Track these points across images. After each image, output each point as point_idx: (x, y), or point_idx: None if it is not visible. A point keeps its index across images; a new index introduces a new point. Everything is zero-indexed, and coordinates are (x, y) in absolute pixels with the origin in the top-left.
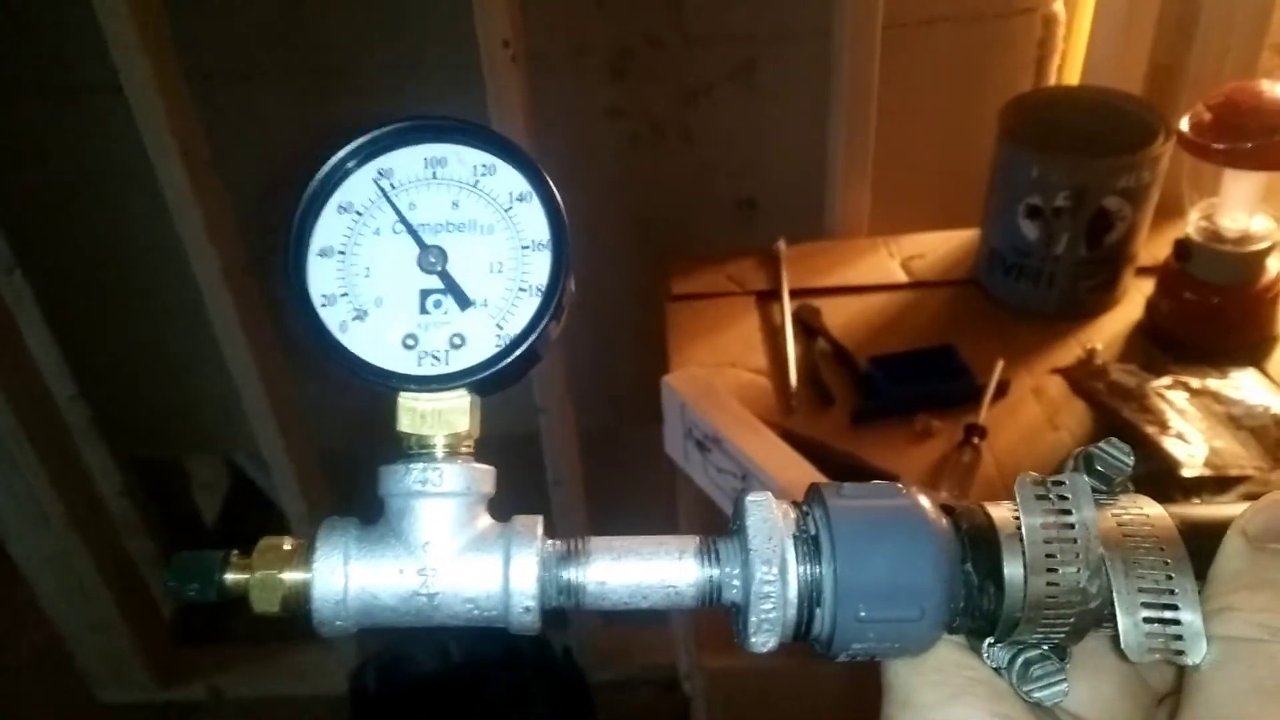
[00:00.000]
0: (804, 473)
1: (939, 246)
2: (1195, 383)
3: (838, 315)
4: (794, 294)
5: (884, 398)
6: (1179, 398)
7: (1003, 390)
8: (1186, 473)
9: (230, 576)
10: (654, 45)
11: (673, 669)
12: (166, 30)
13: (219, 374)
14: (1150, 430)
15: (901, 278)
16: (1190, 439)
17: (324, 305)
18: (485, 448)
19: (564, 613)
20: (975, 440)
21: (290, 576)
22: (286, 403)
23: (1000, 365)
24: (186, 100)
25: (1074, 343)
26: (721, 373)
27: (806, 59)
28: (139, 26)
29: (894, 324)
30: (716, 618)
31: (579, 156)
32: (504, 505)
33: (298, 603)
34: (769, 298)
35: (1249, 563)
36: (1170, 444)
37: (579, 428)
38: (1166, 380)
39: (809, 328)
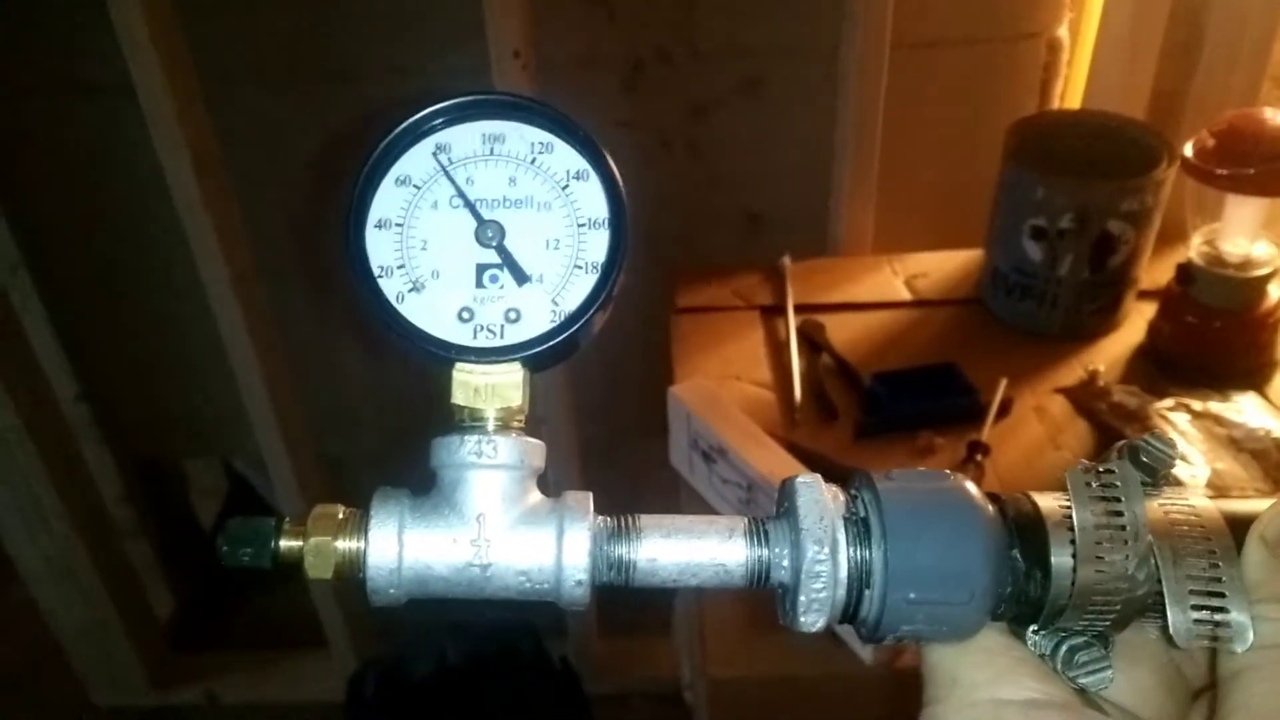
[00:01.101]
0: None
1: (943, 265)
2: (1197, 405)
3: (842, 331)
4: (798, 309)
5: (887, 414)
6: (1181, 420)
7: (1005, 409)
8: (1188, 493)
9: (285, 543)
10: (663, 59)
11: (672, 682)
12: (179, 33)
13: (221, 377)
14: None
15: (905, 295)
16: (1192, 461)
17: (381, 276)
18: None
19: (562, 622)
20: (978, 458)
21: (344, 545)
22: (289, 408)
23: (1004, 384)
24: (198, 102)
25: (1076, 363)
26: (726, 385)
27: (814, 76)
28: (152, 28)
29: (897, 341)
30: (720, 628)
31: None
32: None
33: (351, 570)
34: (774, 313)
35: (1272, 570)
36: None
37: (581, 438)
38: (1169, 402)
39: (813, 343)
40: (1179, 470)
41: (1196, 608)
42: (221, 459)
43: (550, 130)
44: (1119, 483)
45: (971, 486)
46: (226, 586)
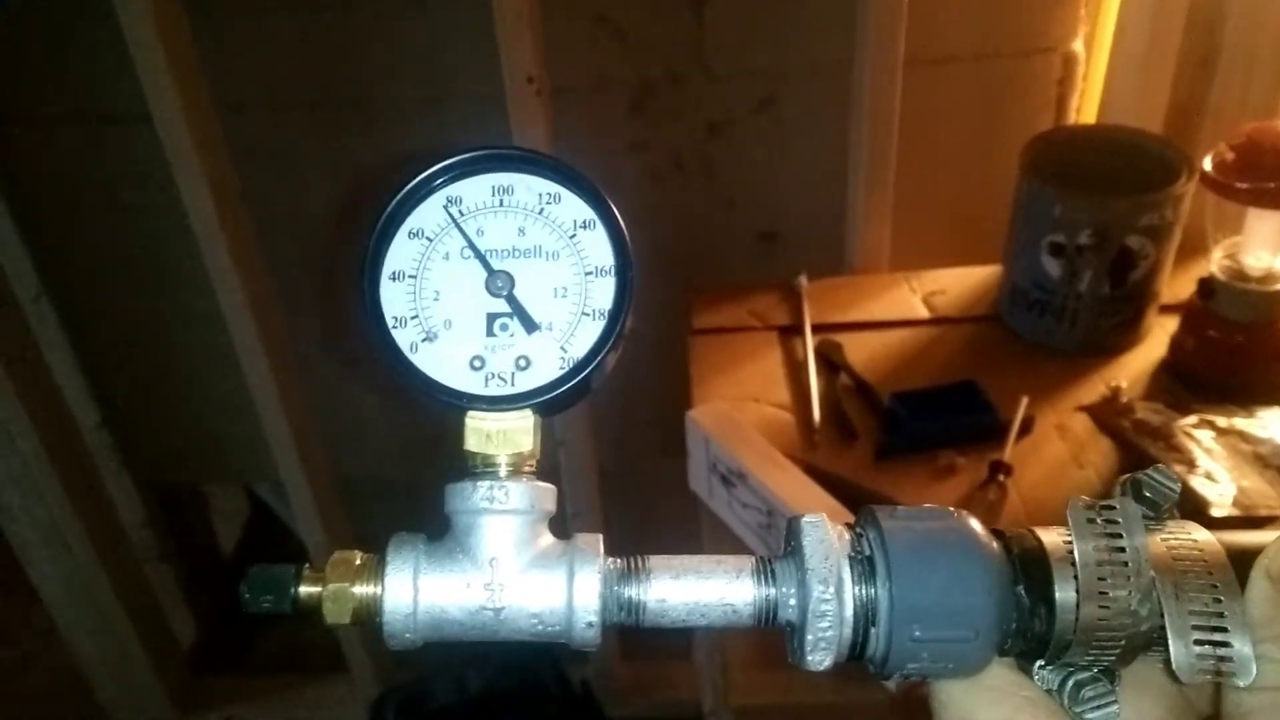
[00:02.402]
0: (828, 508)
1: (960, 282)
2: (1222, 421)
3: (860, 350)
4: (816, 329)
5: (907, 434)
6: (1205, 436)
7: (1027, 427)
8: (1215, 512)
9: (304, 589)
10: (676, 80)
11: (694, 704)
12: (196, 61)
13: (241, 404)
14: (1177, 469)
15: (923, 313)
16: (1218, 478)
17: (395, 327)
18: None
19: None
20: (1001, 478)
21: (361, 590)
22: (308, 433)
23: (1025, 402)
24: (216, 131)
25: (1098, 380)
26: (744, 407)
27: (828, 94)
28: (169, 56)
29: (916, 360)
30: (743, 654)
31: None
32: None
33: (368, 615)
34: (791, 333)
35: (1277, 608)
36: (1198, 483)
37: (599, 461)
38: (1193, 419)
39: (831, 363)
40: (1204, 489)
41: (1199, 642)
42: (242, 483)
43: (557, 181)
44: (1120, 518)
45: (975, 524)
46: (248, 612)
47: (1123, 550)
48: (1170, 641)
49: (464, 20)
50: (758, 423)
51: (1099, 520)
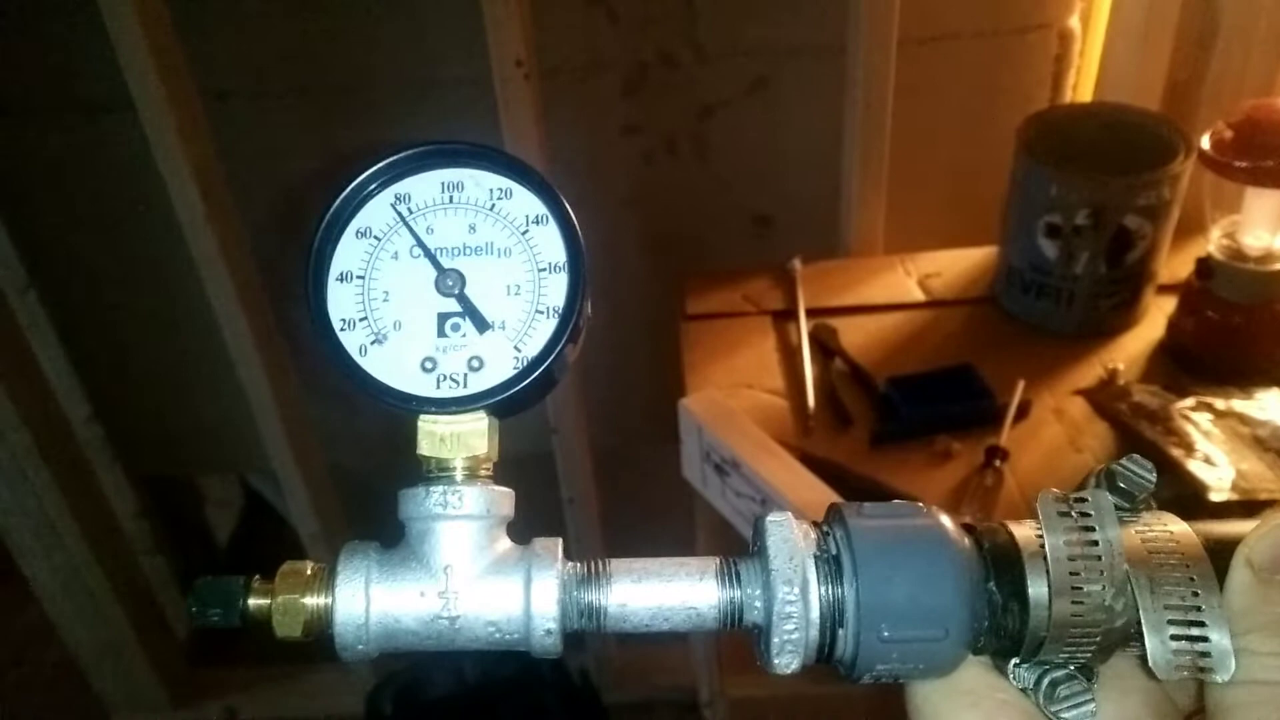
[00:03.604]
0: (823, 496)
1: (956, 264)
2: (1220, 404)
3: (854, 335)
4: (810, 313)
5: (903, 419)
6: (1203, 419)
7: (1024, 411)
8: (1214, 496)
9: (253, 602)
10: (668, 62)
11: (692, 691)
12: (179, 49)
13: (233, 393)
14: (1175, 453)
15: (919, 296)
16: (1216, 461)
17: (343, 329)
18: (499, 467)
19: (581, 634)
20: (997, 462)
21: (312, 601)
22: (299, 422)
23: (1021, 385)
24: (200, 120)
25: (1095, 362)
26: (738, 394)
27: (821, 75)
28: (151, 46)
29: (912, 343)
30: (738, 645)
31: (593, 174)
32: (519, 525)
33: (320, 627)
34: (785, 317)
35: (1260, 598)
36: (1196, 467)
37: (593, 447)
38: (1190, 401)
39: (825, 347)
40: (1202, 472)
41: (1176, 637)
42: (235, 473)
43: (508, 176)
44: (1093, 510)
45: (946, 520)
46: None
47: (1095, 544)
48: (1146, 637)
49: (451, 4)
50: (751, 409)
51: (1072, 513)
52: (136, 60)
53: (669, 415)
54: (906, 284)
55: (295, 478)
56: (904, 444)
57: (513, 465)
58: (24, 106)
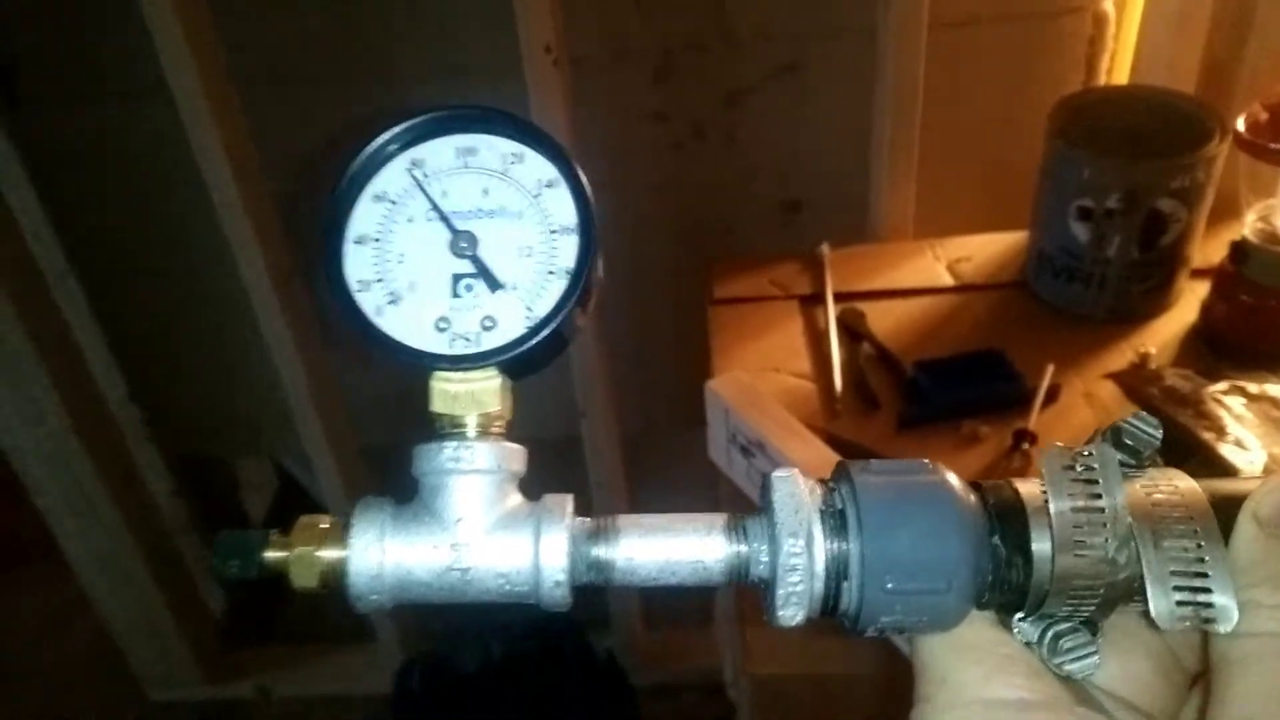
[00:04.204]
0: None
1: (986, 249)
2: (1253, 388)
3: (883, 319)
4: (838, 297)
5: (930, 403)
6: (1236, 403)
7: (1053, 395)
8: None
9: (270, 554)
10: (696, 47)
11: (717, 672)
12: (213, 35)
13: (268, 376)
14: (1207, 436)
15: (948, 281)
16: (1248, 445)
17: (360, 290)
18: (528, 450)
19: (607, 614)
20: (1025, 446)
21: (327, 554)
22: (332, 404)
23: (1050, 370)
24: (234, 104)
25: (1126, 347)
26: (765, 377)
27: (851, 59)
28: (186, 31)
29: (940, 328)
30: (763, 625)
31: (622, 160)
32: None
33: (335, 578)
34: (813, 301)
35: (1265, 552)
36: (1228, 451)
37: (621, 431)
38: (1223, 385)
39: (853, 332)
40: (1234, 456)
41: (1179, 588)
42: (269, 456)
43: (520, 140)
44: (1097, 465)
45: (951, 476)
46: (277, 581)
47: (1099, 497)
48: (1149, 590)
49: None
50: (779, 393)
51: (1076, 468)
52: (172, 45)
53: (696, 399)
54: (936, 269)
55: (327, 458)
56: (931, 427)
57: (541, 449)
58: (65, 96)
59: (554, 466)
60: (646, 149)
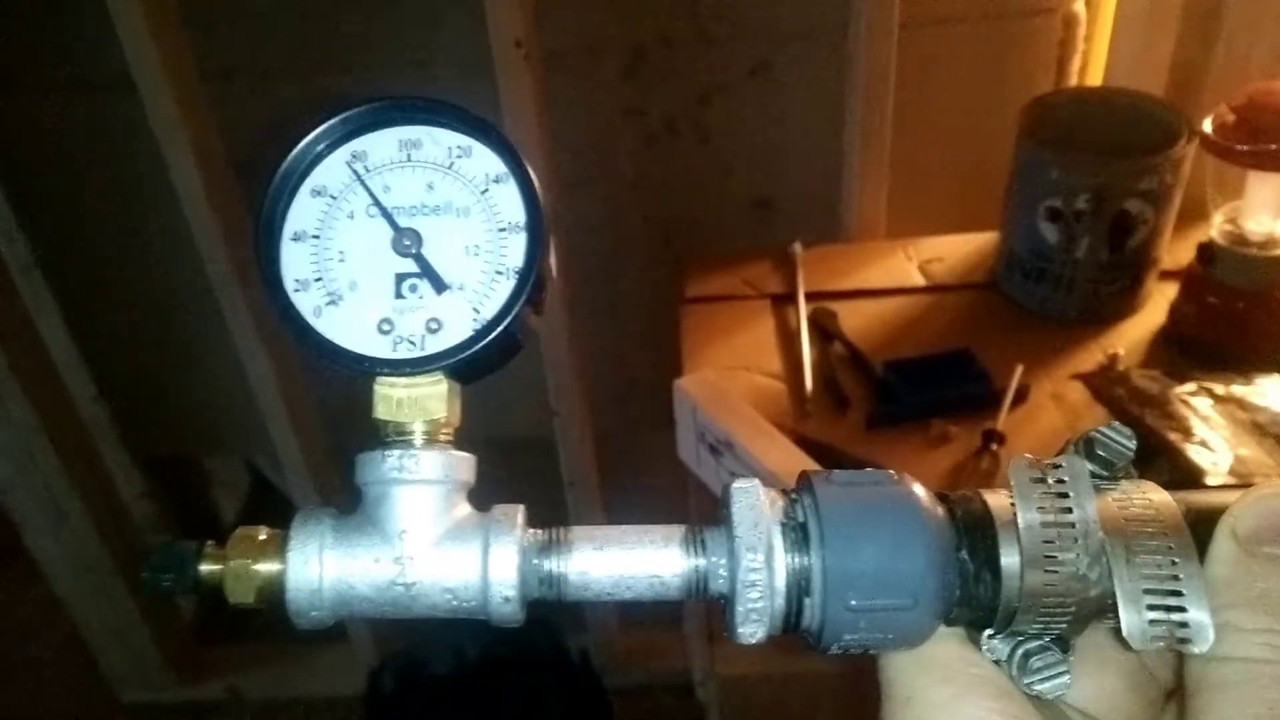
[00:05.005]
0: None
1: (957, 249)
2: (1220, 389)
3: (854, 319)
4: (810, 297)
5: (900, 403)
6: (1203, 404)
7: (1022, 396)
8: (1210, 481)
9: (205, 567)
10: (669, 44)
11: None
12: (179, 27)
13: (237, 376)
14: (1173, 438)
15: (919, 281)
16: (1214, 447)
17: (297, 290)
18: (500, 450)
19: (581, 615)
20: (993, 446)
21: (264, 567)
22: (301, 404)
23: (1019, 370)
24: (201, 99)
25: (1095, 348)
26: (735, 376)
27: (823, 58)
28: (151, 23)
29: (911, 328)
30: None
31: (594, 156)
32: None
33: (273, 594)
34: (784, 301)
35: (1243, 570)
36: (1194, 452)
37: (594, 430)
38: (1190, 386)
39: (825, 331)
40: (1199, 457)
41: (1153, 607)
42: (240, 455)
43: (468, 134)
44: (1068, 478)
45: (918, 487)
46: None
47: (1069, 511)
48: (1121, 608)
49: None
50: (749, 392)
51: (1046, 479)
52: (137, 39)
53: (670, 398)
54: (907, 269)
55: (297, 458)
56: (901, 427)
57: (513, 448)
58: (31, 88)
59: (526, 465)
60: (619, 145)
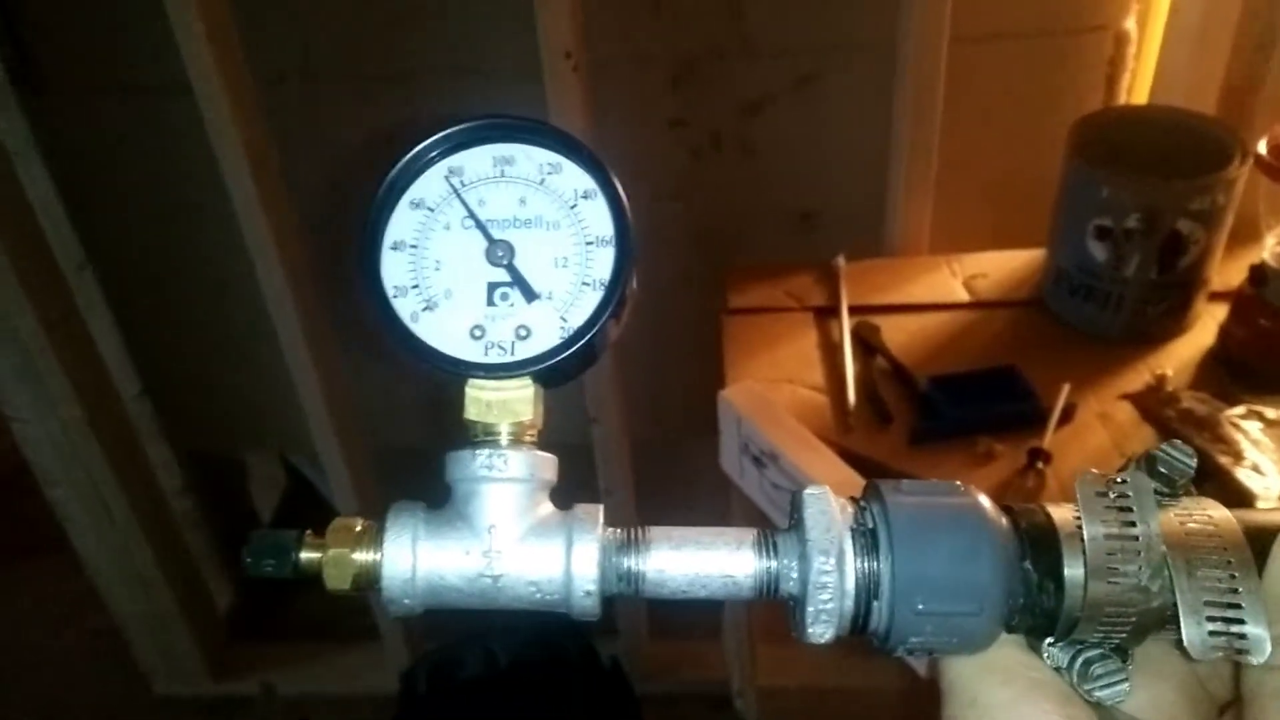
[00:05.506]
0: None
1: (1003, 266)
2: (1270, 413)
3: (897, 333)
4: (853, 310)
5: (944, 419)
6: (1253, 428)
7: (1068, 415)
8: (1261, 505)
9: (305, 555)
10: (715, 56)
11: (722, 685)
12: (235, 32)
13: (279, 374)
14: (1223, 461)
15: (964, 297)
16: (1265, 470)
17: (396, 296)
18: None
19: (614, 623)
20: (1039, 465)
21: (361, 556)
22: (342, 405)
23: (1066, 389)
24: (254, 103)
25: (1143, 368)
26: (778, 388)
27: (870, 72)
28: (208, 29)
29: (955, 344)
30: (769, 636)
31: (639, 167)
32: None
33: (368, 581)
34: (827, 314)
35: None
36: (1244, 475)
37: (632, 439)
38: (1240, 409)
39: (868, 345)
40: (1250, 481)
41: (1212, 619)
42: (279, 454)
43: (558, 151)
44: (1131, 493)
45: (984, 498)
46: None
47: (1133, 525)
48: (1182, 620)
49: None
50: (791, 404)
51: (1110, 495)
52: (194, 42)
53: (708, 409)
54: (952, 284)
55: (338, 460)
56: (944, 443)
57: (551, 453)
58: (85, 89)
59: (562, 472)
60: (664, 156)
